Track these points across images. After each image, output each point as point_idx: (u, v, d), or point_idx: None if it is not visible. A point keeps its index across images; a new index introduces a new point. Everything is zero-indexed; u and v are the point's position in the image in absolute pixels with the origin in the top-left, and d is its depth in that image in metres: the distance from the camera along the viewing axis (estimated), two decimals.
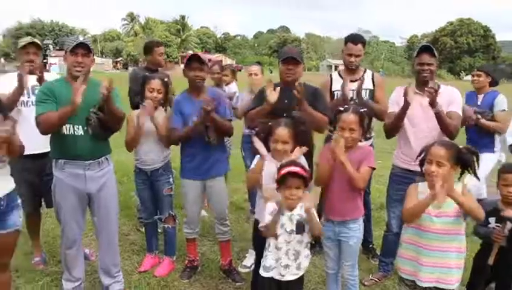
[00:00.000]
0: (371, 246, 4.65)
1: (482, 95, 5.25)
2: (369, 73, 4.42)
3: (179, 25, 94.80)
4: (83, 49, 3.32)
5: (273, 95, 3.54)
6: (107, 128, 3.44)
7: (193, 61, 3.88)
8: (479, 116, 5.06)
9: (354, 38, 4.34)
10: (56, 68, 37.70)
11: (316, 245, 4.03)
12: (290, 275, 3.00)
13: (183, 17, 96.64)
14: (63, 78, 3.50)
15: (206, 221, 5.27)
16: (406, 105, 3.58)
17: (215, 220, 4.20)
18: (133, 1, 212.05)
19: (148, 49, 5.20)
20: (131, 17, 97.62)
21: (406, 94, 3.54)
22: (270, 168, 3.19)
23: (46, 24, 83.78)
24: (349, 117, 3.21)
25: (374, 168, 3.27)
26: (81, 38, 3.38)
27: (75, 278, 3.66)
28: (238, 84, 5.85)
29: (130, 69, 53.15)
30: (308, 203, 2.91)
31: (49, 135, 3.46)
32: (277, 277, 3.01)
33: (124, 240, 4.83)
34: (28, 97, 3.99)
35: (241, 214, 5.71)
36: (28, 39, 4.17)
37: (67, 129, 3.34)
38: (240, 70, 6.02)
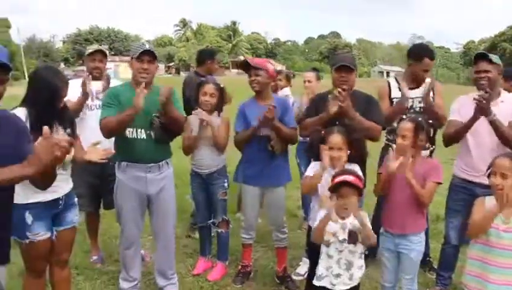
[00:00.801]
0: (428, 259, 4.49)
1: None
2: (427, 80, 4.29)
3: (230, 31, 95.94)
4: (149, 56, 3.40)
5: (335, 107, 3.49)
6: (170, 132, 3.52)
7: (246, 67, 3.93)
8: None
9: (432, 54, 4.23)
10: (111, 72, 38.85)
11: (369, 255, 3.94)
12: (341, 285, 2.94)
13: (234, 23, 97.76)
14: (128, 83, 3.61)
15: (260, 227, 5.26)
16: (475, 119, 3.45)
17: (273, 227, 4.19)
18: (186, 7, 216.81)
19: (209, 56, 5.29)
20: (184, 23, 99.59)
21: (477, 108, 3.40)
22: (324, 176, 3.17)
23: (102, 30, 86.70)
24: (404, 125, 3.21)
25: (440, 183, 3.18)
26: (147, 45, 3.46)
27: (132, 278, 3.75)
28: (291, 90, 5.82)
29: (182, 74, 54.25)
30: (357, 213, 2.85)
31: (112, 139, 3.58)
32: (328, 286, 2.97)
33: (178, 243, 4.86)
34: (92, 101, 4.16)
35: (294, 221, 5.66)
36: (95, 47, 4.36)
37: (130, 133, 3.44)
38: (294, 76, 6.01)
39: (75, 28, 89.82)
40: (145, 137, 3.46)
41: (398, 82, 4.29)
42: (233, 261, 4.52)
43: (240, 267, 4.30)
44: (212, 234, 4.56)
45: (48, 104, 2.86)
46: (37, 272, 3.11)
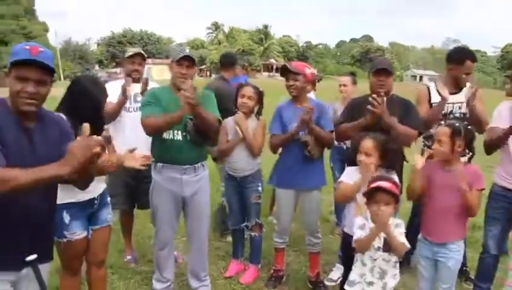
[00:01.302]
0: (464, 268, 4.38)
1: None
2: (468, 84, 4.20)
3: (262, 34, 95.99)
4: (188, 61, 3.44)
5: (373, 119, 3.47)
6: (204, 134, 3.52)
7: (285, 72, 3.94)
8: None
9: (474, 57, 4.17)
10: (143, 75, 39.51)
11: (403, 262, 3.87)
12: None
13: (265, 26, 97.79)
14: (167, 86, 3.64)
15: (292, 231, 5.24)
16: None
17: (306, 232, 4.16)
18: (218, 11, 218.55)
19: (232, 63, 5.29)
20: (216, 26, 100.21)
21: None
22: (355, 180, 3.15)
23: (136, 33, 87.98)
24: (440, 129, 3.16)
25: (483, 189, 3.12)
26: (187, 50, 3.51)
27: (166, 278, 3.78)
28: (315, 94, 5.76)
29: (214, 76, 54.49)
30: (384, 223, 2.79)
31: (149, 140, 3.62)
32: None
33: (210, 245, 4.87)
34: (130, 104, 4.22)
35: (327, 226, 5.61)
36: (135, 50, 4.44)
37: (167, 134, 3.48)
38: (321, 80, 5.97)
39: (109, 30, 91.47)
40: (181, 138, 3.49)
41: (437, 86, 4.22)
42: (266, 264, 4.51)
43: (272, 271, 4.29)
44: (245, 237, 4.56)
45: (88, 117, 2.87)
46: (73, 270, 3.17)
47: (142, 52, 4.43)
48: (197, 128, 3.46)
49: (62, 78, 49.85)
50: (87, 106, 2.93)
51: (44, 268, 2.34)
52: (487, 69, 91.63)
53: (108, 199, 3.32)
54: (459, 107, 4.07)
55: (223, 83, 4.97)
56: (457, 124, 3.17)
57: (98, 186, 3.12)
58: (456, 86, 4.10)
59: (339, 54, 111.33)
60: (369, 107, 3.43)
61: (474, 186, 3.04)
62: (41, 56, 2.10)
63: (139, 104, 4.13)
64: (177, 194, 3.59)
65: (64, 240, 2.98)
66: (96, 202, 3.12)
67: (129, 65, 4.34)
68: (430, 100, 4.20)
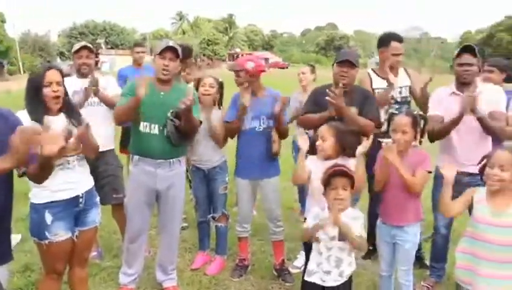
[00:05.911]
0: (418, 254, 4.18)
1: None
2: (402, 69, 4.41)
3: (226, 23, 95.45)
4: (171, 53, 3.43)
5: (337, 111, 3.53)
6: (184, 136, 3.54)
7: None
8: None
9: (399, 37, 4.34)
10: (107, 66, 38.68)
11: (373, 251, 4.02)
12: (331, 282, 2.94)
13: (230, 16, 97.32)
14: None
15: (256, 220, 5.30)
16: (460, 116, 3.44)
17: (268, 220, 4.22)
18: (182, 0, 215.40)
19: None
20: (180, 16, 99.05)
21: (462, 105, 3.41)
22: (319, 170, 3.17)
23: (98, 24, 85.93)
24: (402, 119, 3.22)
25: (430, 172, 3.24)
26: (170, 43, 3.49)
27: (133, 272, 3.80)
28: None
29: None
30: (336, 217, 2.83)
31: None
32: (319, 282, 2.96)
33: None
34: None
35: (291, 214, 5.69)
36: (81, 44, 4.32)
37: (144, 127, 3.49)
38: (287, 68, 6.06)
39: (71, 22, 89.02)
40: (157, 133, 3.48)
41: (376, 73, 4.37)
42: (231, 255, 4.56)
43: (237, 261, 4.33)
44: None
45: (31, 96, 2.80)
46: (55, 274, 3.02)
47: (88, 44, 4.31)
48: (179, 130, 3.47)
49: (22, 71, 48.36)
50: (29, 87, 2.80)
51: (2, 270, 2.29)
52: (447, 55, 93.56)
53: (98, 198, 3.18)
54: (399, 92, 4.23)
55: None
56: (414, 112, 3.30)
57: (81, 183, 2.99)
58: (395, 71, 4.25)
59: (304, 42, 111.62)
60: (327, 98, 3.48)
61: (421, 167, 3.17)
62: None
63: (93, 99, 4.13)
64: (150, 187, 3.60)
65: (46, 241, 2.84)
66: (81, 200, 2.97)
67: (77, 60, 4.23)
68: (372, 86, 4.30)
